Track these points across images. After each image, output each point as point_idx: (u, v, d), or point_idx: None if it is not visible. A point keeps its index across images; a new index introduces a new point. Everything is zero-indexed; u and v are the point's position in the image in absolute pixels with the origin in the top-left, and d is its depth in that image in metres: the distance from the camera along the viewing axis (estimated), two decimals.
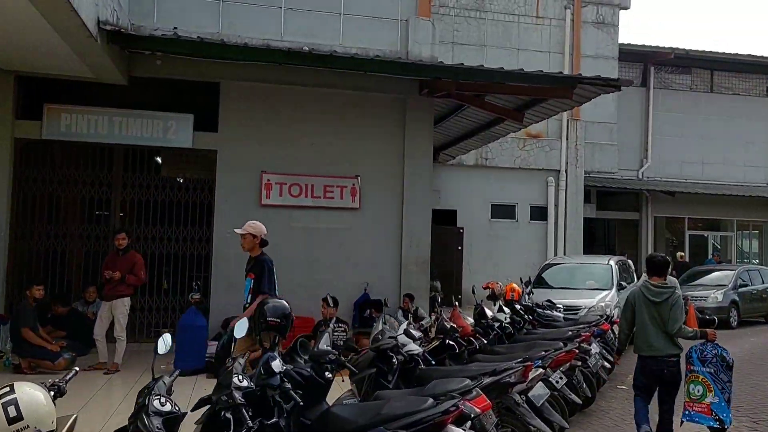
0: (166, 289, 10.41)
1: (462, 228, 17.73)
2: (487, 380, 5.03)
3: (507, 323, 8.54)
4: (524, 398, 5.45)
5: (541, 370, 5.70)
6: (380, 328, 5.80)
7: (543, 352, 6.68)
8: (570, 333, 7.99)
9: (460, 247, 17.68)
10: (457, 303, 8.64)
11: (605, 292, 11.67)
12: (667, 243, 23.86)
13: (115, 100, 10.03)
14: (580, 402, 6.74)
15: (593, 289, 11.94)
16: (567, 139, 18.13)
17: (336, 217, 10.67)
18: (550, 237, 18.12)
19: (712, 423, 5.84)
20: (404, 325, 6.21)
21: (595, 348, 8.43)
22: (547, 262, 13.40)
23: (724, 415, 5.79)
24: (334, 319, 9.04)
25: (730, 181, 23.13)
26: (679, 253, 20.37)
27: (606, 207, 22.28)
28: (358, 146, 10.81)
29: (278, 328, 4.61)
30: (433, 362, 6.79)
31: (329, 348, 4.67)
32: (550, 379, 6.53)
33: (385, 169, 10.94)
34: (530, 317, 10.00)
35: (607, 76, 19.18)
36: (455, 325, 7.46)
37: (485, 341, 7.76)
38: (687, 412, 5.92)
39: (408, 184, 11.00)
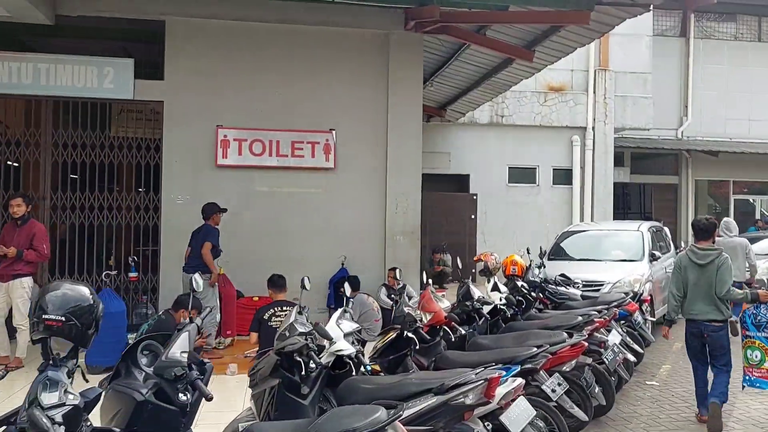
0: (112, 265, 8.78)
1: (476, 194, 15.74)
2: (417, 408, 3.21)
3: (502, 305, 6.67)
4: (490, 426, 3.61)
5: (519, 380, 3.83)
6: (291, 319, 4.01)
7: (535, 349, 4.82)
8: (580, 318, 6.08)
9: (473, 216, 15.72)
10: (469, 279, 6.81)
11: (634, 264, 9.62)
12: (709, 209, 21.41)
13: (40, 44, 8.35)
14: (586, 420, 4.86)
15: (620, 260, 9.90)
16: (594, 92, 15.86)
17: (307, 179, 8.88)
18: (576, 203, 15.99)
19: None
20: (338, 314, 4.41)
21: (614, 337, 6.51)
22: (566, 230, 11.33)
23: None
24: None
25: None
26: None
27: (641, 171, 19.99)
28: (333, 94, 8.95)
29: (63, 331, 2.82)
30: (387, 363, 5.04)
31: (181, 357, 2.93)
32: (544, 386, 4.67)
33: (365, 122, 9.08)
34: (540, 296, 8.15)
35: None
36: (428, 311, 5.66)
37: (465, 331, 5.93)
38: (747, 377, 5.75)
39: (393, 139, 9.12)
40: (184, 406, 2.87)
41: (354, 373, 4.10)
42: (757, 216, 21.10)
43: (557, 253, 10.63)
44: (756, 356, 5.69)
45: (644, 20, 16.41)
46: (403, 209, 9.17)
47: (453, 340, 5.58)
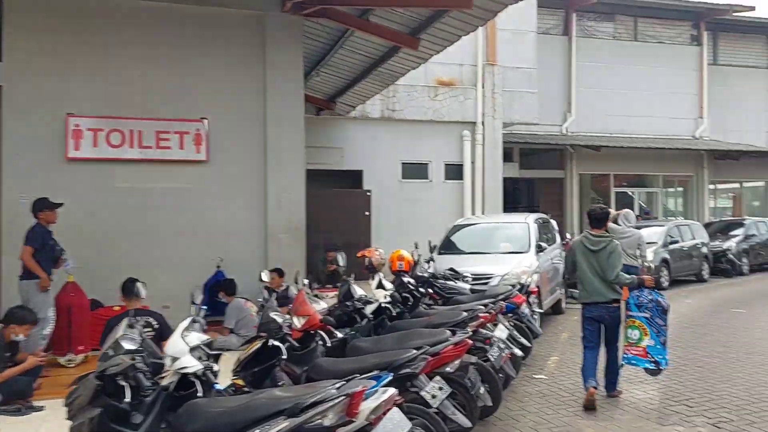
0: None
1: (369, 190, 15.31)
2: None
3: (387, 303, 6.19)
4: None
5: (390, 391, 3.32)
6: (118, 334, 3.30)
7: (414, 351, 4.36)
8: (464, 314, 5.71)
9: (367, 213, 15.27)
10: (351, 277, 6.29)
11: (522, 256, 9.49)
12: (592, 201, 22.19)
13: None
14: (469, 425, 4.44)
15: (508, 252, 9.75)
16: (483, 87, 15.84)
17: (175, 173, 8.06)
18: (467, 198, 15.91)
19: (648, 365, 6.02)
20: (184, 324, 3.73)
21: (501, 332, 6.19)
22: (456, 223, 11.11)
23: (660, 357, 5.96)
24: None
25: (655, 134, 21.53)
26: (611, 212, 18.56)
27: (530, 165, 20.34)
28: (203, 80, 8.18)
29: None
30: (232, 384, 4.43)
31: None
32: (423, 392, 4.21)
33: (241, 111, 8.37)
34: (429, 291, 7.78)
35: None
36: (301, 314, 5.07)
37: (346, 334, 5.41)
38: (626, 355, 6.09)
39: (273, 129, 8.46)
40: None
41: (202, 394, 3.45)
42: (636, 206, 22.12)
43: (448, 247, 10.36)
44: (635, 335, 6.02)
45: (529, 17, 16.63)
46: (286, 204, 8.53)
47: (330, 345, 5.03)
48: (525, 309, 7.53)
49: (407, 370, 4.16)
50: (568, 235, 16.41)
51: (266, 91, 8.40)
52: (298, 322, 4.99)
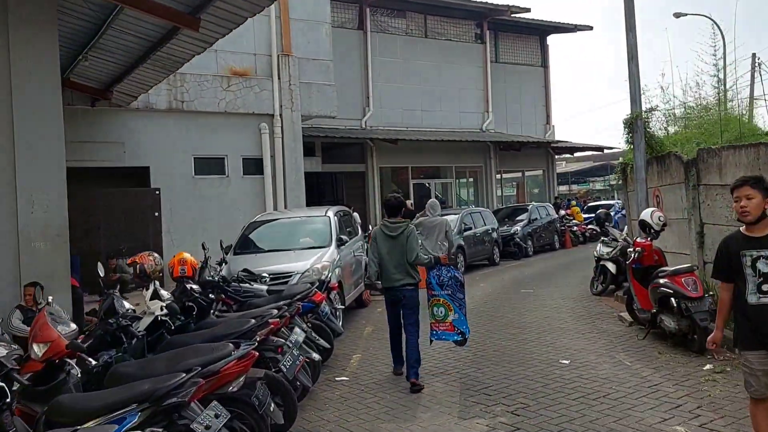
0: None
1: (158, 189, 13.94)
2: None
3: (164, 316, 5.34)
4: None
5: None
6: None
7: (183, 374, 3.63)
8: (252, 322, 5.08)
9: (157, 213, 13.90)
10: (116, 288, 5.28)
11: (322, 251, 9.06)
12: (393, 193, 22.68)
13: None
14: None
15: (309, 248, 9.27)
16: (279, 78, 15.20)
17: None
18: (269, 193, 15.19)
19: (456, 337, 6.50)
20: None
21: (297, 336, 5.66)
22: (253, 220, 10.35)
23: (464, 327, 6.45)
24: None
25: (447, 127, 22.53)
26: (408, 201, 18.99)
27: (332, 160, 20.17)
28: None
29: None
30: None
31: None
32: (195, 424, 3.50)
33: None
34: (221, 296, 7.03)
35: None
36: (42, 340, 4.09)
37: (109, 358, 4.51)
38: (435, 332, 6.46)
39: (23, 120, 7.06)
40: None
41: None
42: (432, 197, 23.02)
43: (244, 245, 9.63)
44: (441, 312, 6.39)
45: (323, 8, 16.31)
46: (42, 208, 7.18)
47: (80, 375, 4.10)
48: (325, 307, 7.10)
49: (173, 400, 3.43)
50: (370, 227, 16.46)
51: (12, 75, 6.98)
52: (38, 351, 4.01)
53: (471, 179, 24.84)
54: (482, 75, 23.87)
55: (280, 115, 15.28)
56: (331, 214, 9.93)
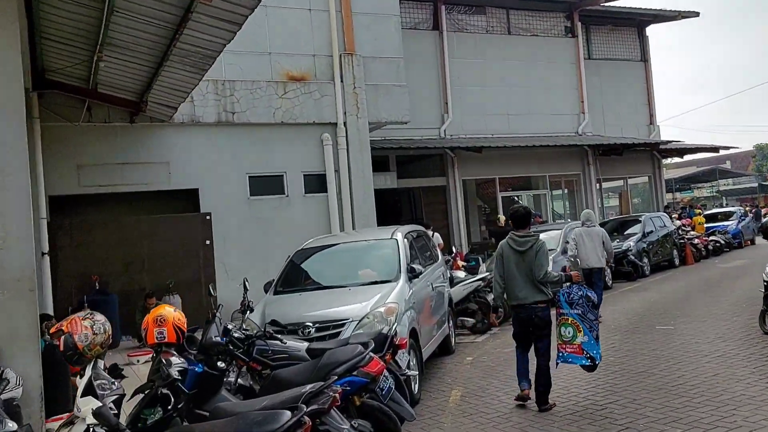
0: None
1: (209, 213, 12.01)
2: None
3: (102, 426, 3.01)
4: None
5: None
6: None
7: None
8: None
9: (208, 241, 11.96)
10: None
11: (387, 287, 6.57)
12: (479, 210, 20.00)
13: None
14: None
15: (370, 283, 6.81)
16: (342, 80, 13.00)
17: None
18: (334, 212, 12.96)
19: (584, 361, 5.83)
20: None
21: None
22: (300, 248, 7.98)
23: (594, 352, 5.79)
24: None
25: (538, 132, 19.66)
26: (500, 216, 16.36)
27: (408, 174, 17.86)
28: None
29: None
30: None
31: None
32: None
33: None
34: (244, 359, 4.73)
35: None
36: None
37: None
38: (561, 354, 5.85)
39: None
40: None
41: None
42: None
43: (288, 282, 7.28)
44: (568, 332, 5.76)
45: (391, 10, 13.99)
46: None
47: None
48: (387, 381, 4.59)
49: None
50: (454, 248, 13.89)
51: None
52: None
53: (566, 189, 21.74)
54: (575, 72, 20.89)
55: (345, 123, 13.06)
56: (399, 235, 7.44)
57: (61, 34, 8.17)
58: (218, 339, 4.64)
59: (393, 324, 5.84)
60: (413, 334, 6.35)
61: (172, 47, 7.84)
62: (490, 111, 19.19)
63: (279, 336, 5.23)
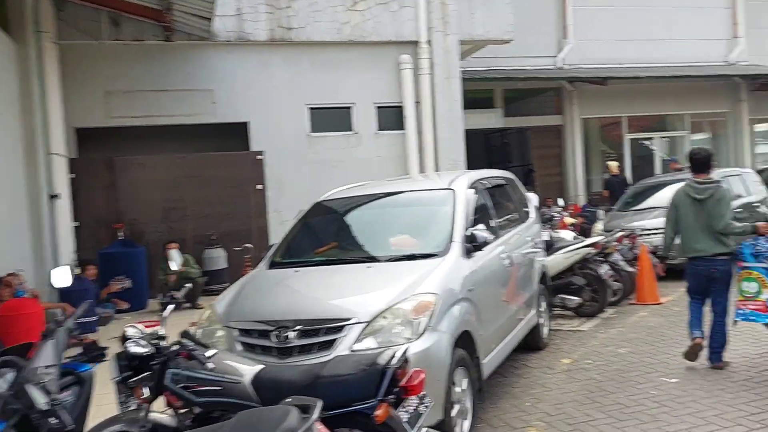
0: None
1: (261, 152, 9.94)
2: None
3: None
4: None
5: None
6: None
7: None
8: None
9: (260, 186, 9.94)
10: None
11: (427, 266, 4.01)
12: (602, 155, 16.57)
13: None
14: None
15: (402, 258, 4.27)
16: None
17: None
18: (412, 153, 10.45)
19: None
20: None
21: None
22: (318, 200, 5.46)
23: None
24: None
25: (678, 61, 15.72)
26: (610, 163, 13.25)
27: (516, 112, 14.93)
28: None
29: None
30: None
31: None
32: None
33: None
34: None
35: None
36: None
37: None
38: (741, 311, 5.26)
39: None
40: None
41: None
42: (655, 158, 16.54)
43: (293, 250, 4.89)
44: (752, 288, 5.18)
45: None
46: None
47: None
48: None
49: None
50: (560, 202, 10.89)
51: None
52: None
53: (710, 133, 17.63)
54: None
55: (429, 41, 10.34)
56: (460, 185, 4.76)
57: None
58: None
59: (417, 333, 3.35)
60: (464, 339, 3.83)
61: None
62: (619, 35, 15.47)
63: (202, 353, 2.91)
